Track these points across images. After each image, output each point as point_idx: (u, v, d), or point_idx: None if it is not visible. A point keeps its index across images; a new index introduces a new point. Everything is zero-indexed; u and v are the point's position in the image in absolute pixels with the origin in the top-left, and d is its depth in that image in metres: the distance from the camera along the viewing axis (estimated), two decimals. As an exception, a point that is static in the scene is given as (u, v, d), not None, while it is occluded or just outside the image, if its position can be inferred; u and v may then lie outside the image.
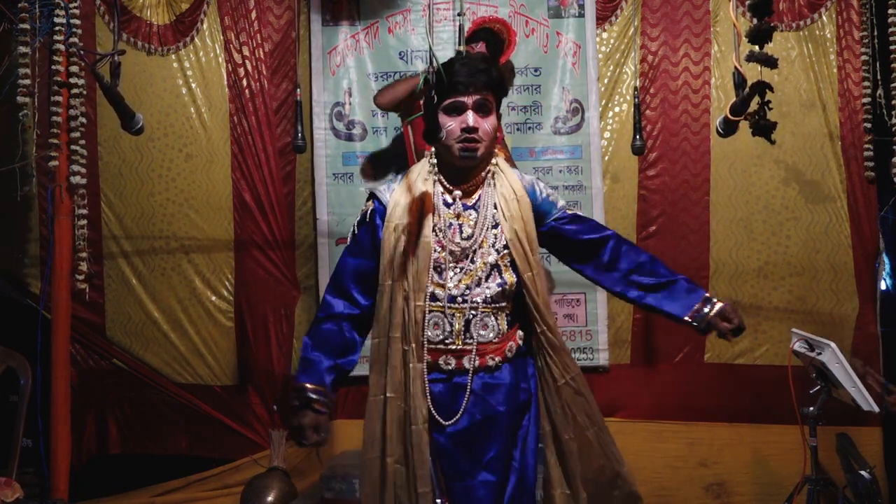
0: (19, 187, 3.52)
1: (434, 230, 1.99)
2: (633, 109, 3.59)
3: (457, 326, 1.97)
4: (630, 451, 3.85)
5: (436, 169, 2.04)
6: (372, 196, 2.07)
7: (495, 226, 1.99)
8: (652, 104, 4.00)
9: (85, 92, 3.51)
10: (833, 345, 2.81)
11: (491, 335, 1.99)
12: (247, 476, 3.79)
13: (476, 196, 2.03)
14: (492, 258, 1.98)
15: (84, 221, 3.53)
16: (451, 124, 1.94)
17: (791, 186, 3.94)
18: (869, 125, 3.73)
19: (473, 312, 1.97)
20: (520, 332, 2.07)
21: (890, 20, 3.45)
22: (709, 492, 3.89)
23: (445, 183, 2.02)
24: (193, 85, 3.98)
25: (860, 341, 3.84)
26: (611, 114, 4.03)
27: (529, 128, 3.98)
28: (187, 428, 3.98)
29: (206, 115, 3.99)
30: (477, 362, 1.98)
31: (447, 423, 1.96)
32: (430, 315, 1.96)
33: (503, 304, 2.01)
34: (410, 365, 1.95)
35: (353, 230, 2.07)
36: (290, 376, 3.98)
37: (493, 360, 2.00)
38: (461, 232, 1.99)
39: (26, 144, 3.53)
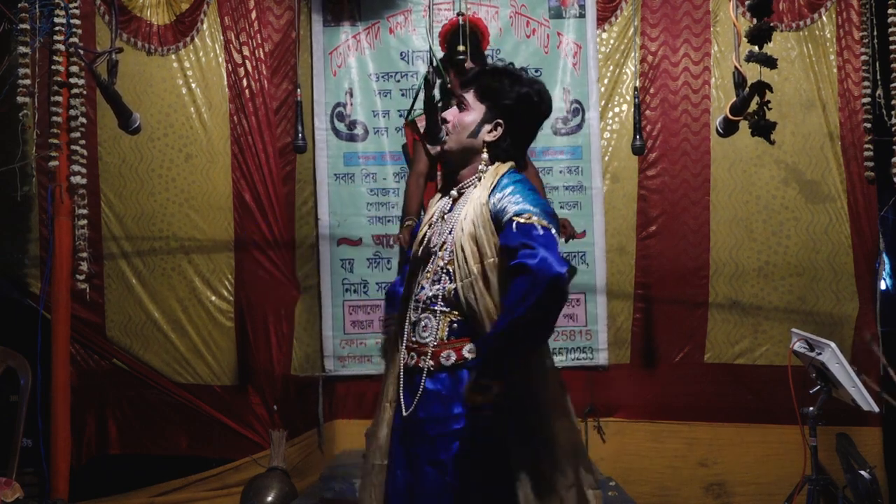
0: (19, 187, 3.52)
1: (426, 231, 2.04)
2: (633, 109, 3.59)
3: (409, 325, 2.00)
4: (630, 451, 3.90)
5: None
6: None
7: (452, 230, 1.97)
8: (652, 104, 4.00)
9: (85, 92, 3.51)
10: (833, 345, 2.80)
11: (429, 338, 1.95)
12: (247, 476, 3.79)
13: (461, 199, 2.02)
14: (443, 262, 1.97)
15: (84, 221, 3.52)
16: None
17: (791, 186, 3.94)
18: (869, 125, 3.72)
19: (417, 313, 1.99)
20: (470, 345, 1.93)
21: (890, 20, 3.45)
22: (709, 492, 3.89)
23: (448, 185, 2.06)
24: (193, 85, 3.98)
25: (860, 341, 3.84)
26: (611, 114, 4.03)
27: (529, 128, 3.98)
28: (187, 428, 3.98)
29: (206, 115, 3.99)
30: (414, 362, 1.97)
31: (397, 416, 1.99)
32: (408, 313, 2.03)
33: (446, 308, 1.93)
34: (391, 363, 2.06)
35: None
36: (291, 376, 3.98)
37: (447, 360, 1.94)
38: (439, 232, 2.01)
39: (26, 144, 3.53)
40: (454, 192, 2.02)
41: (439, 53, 3.64)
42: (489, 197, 1.90)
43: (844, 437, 3.56)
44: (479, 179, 1.97)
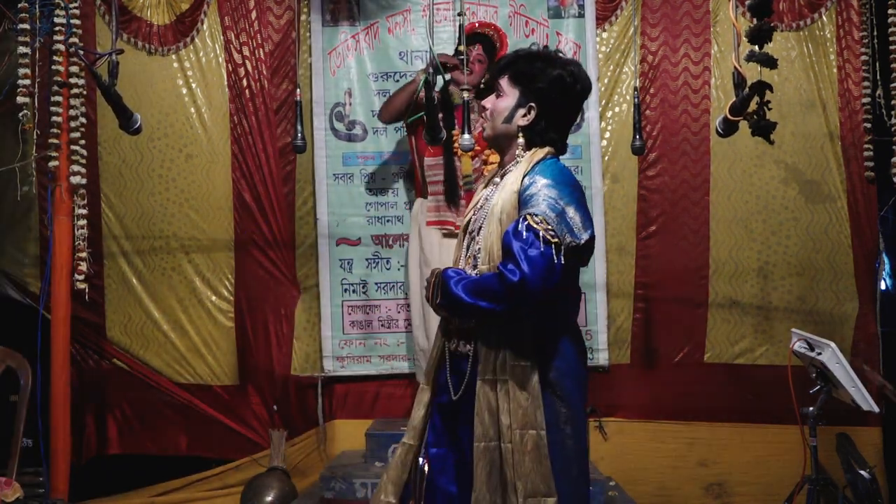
0: (19, 187, 3.52)
1: (470, 216, 2.07)
2: (633, 109, 3.59)
3: None
4: (630, 451, 3.90)
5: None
6: None
7: (487, 215, 1.97)
8: (652, 104, 4.00)
9: (85, 92, 3.51)
10: (833, 345, 2.80)
11: (468, 322, 1.96)
12: (247, 476, 3.79)
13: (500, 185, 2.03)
14: (478, 246, 1.98)
15: (84, 221, 3.52)
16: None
17: (791, 186, 3.94)
18: (869, 125, 3.73)
19: None
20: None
21: (890, 20, 3.44)
22: (709, 492, 3.89)
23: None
24: (193, 85, 3.99)
25: (860, 341, 3.84)
26: (611, 114, 4.03)
27: (529, 128, 3.98)
28: (187, 428, 3.98)
29: (206, 115, 3.99)
30: (463, 347, 1.98)
31: (445, 396, 2.00)
32: None
33: None
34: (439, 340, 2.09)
35: None
36: (291, 376, 3.98)
37: (465, 347, 1.98)
38: (480, 219, 2.02)
39: (26, 144, 3.53)
40: (497, 179, 2.03)
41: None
42: (521, 183, 1.90)
43: (844, 437, 3.55)
44: (517, 165, 1.98)
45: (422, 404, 2.06)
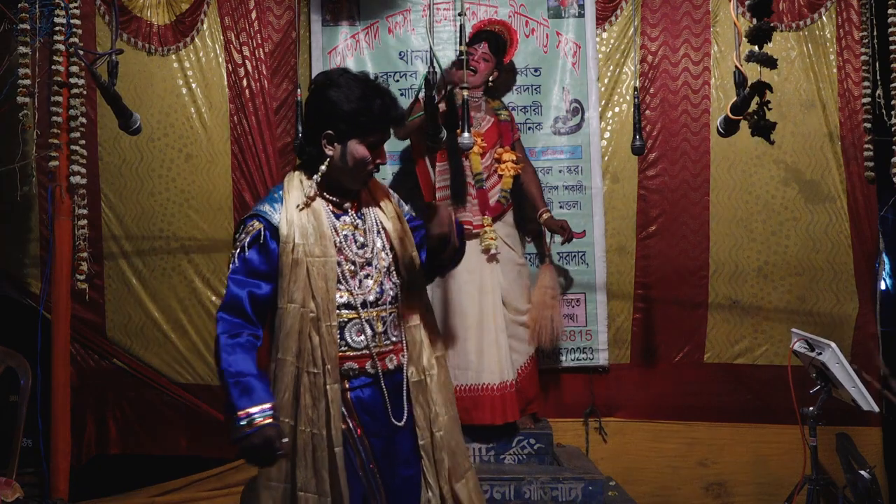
0: (19, 187, 3.53)
1: (336, 245, 2.03)
2: (633, 109, 3.59)
3: (379, 329, 2.05)
4: (630, 450, 3.90)
5: (316, 186, 2.06)
6: (256, 216, 2.02)
7: (380, 231, 2.11)
8: (652, 104, 4.00)
9: (85, 92, 3.52)
10: (833, 345, 2.81)
11: (398, 334, 2.10)
12: (247, 476, 3.78)
13: (361, 206, 2.14)
14: (385, 262, 2.08)
15: (84, 221, 3.53)
16: (369, 157, 2.03)
17: (791, 186, 3.94)
18: (869, 125, 3.73)
19: (387, 314, 2.07)
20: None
21: (890, 20, 3.44)
22: (709, 492, 3.89)
23: (334, 198, 2.09)
24: (193, 85, 3.99)
25: (860, 341, 3.84)
26: (611, 114, 4.03)
27: (529, 128, 3.98)
28: (187, 428, 3.98)
29: (206, 115, 3.99)
30: (395, 362, 2.07)
31: (397, 422, 2.03)
32: (352, 323, 2.02)
33: (398, 304, 2.11)
34: (327, 387, 1.95)
35: (240, 253, 1.99)
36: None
37: (404, 358, 2.10)
38: (356, 241, 2.07)
39: (26, 144, 3.54)
40: (347, 204, 2.11)
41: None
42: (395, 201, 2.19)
43: (844, 437, 3.56)
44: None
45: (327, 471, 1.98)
